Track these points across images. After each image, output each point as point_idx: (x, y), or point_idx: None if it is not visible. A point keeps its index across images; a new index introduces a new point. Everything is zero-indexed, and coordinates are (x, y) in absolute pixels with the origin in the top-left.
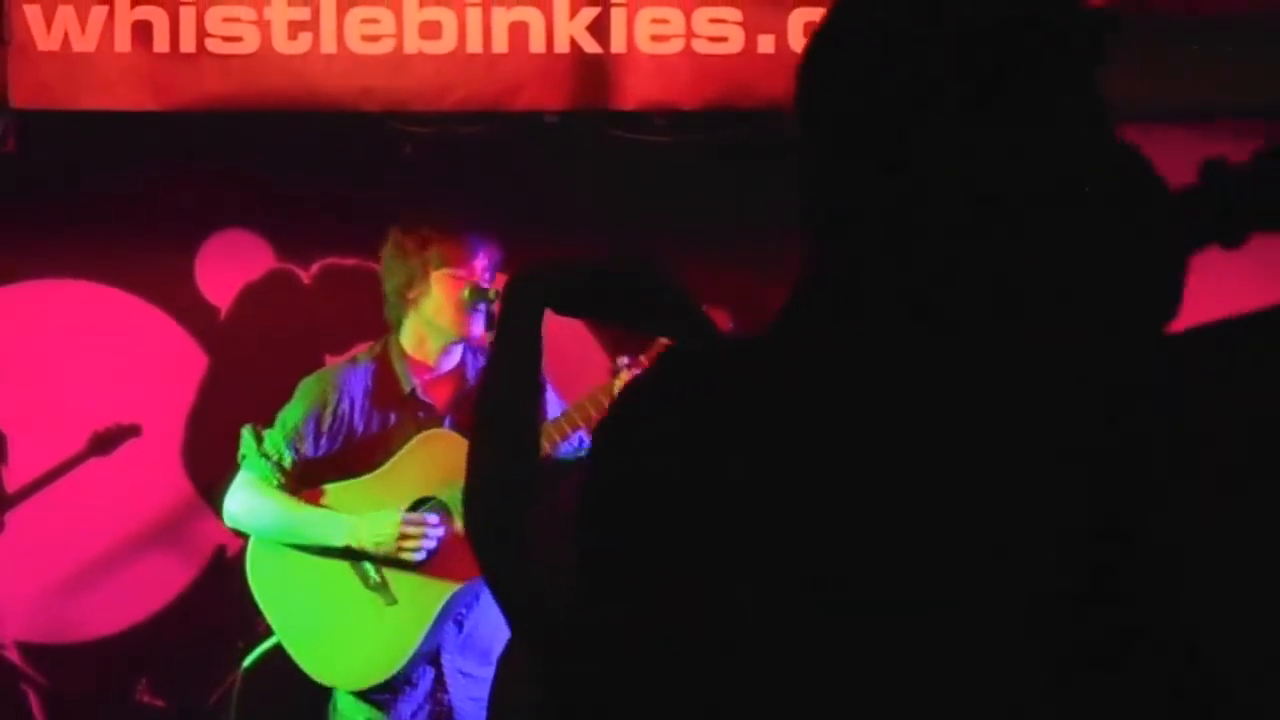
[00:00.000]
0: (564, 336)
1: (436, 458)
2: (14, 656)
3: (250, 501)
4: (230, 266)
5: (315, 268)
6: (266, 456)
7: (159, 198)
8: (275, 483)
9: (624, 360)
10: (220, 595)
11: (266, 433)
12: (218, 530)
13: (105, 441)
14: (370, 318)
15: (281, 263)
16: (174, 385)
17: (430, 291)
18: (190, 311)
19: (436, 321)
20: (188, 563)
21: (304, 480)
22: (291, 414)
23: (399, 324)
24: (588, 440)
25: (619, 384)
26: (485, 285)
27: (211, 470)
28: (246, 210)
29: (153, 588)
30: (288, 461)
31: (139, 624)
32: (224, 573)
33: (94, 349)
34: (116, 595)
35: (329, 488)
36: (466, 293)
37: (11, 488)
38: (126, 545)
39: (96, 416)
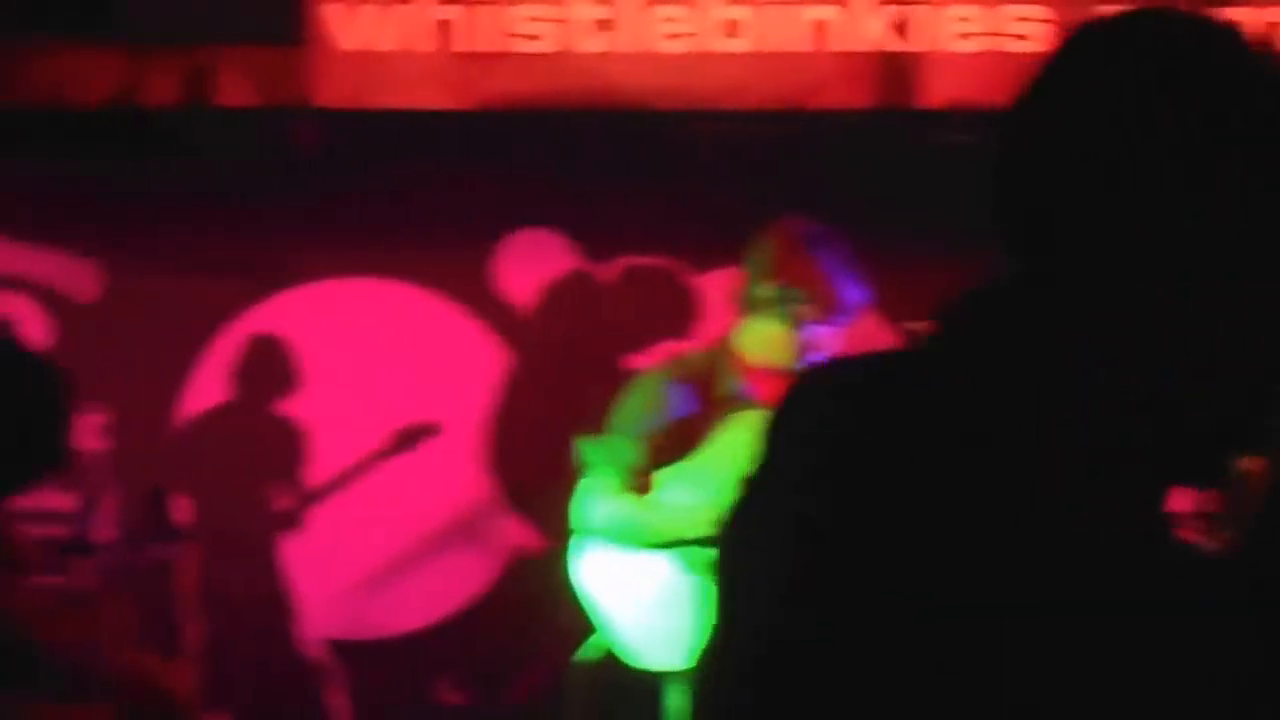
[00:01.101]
0: None
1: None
2: (319, 652)
3: (611, 510)
4: (531, 265)
5: (616, 266)
6: (613, 462)
7: (460, 196)
8: (625, 484)
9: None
10: (519, 594)
11: (607, 439)
12: (517, 529)
13: (407, 439)
14: (670, 317)
15: (582, 261)
16: (475, 384)
17: (776, 320)
18: (491, 310)
19: (774, 346)
20: (487, 561)
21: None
22: (629, 413)
23: (745, 319)
24: None
25: None
26: (817, 315)
27: (512, 468)
28: (547, 209)
29: (453, 585)
30: (635, 461)
31: (440, 622)
32: (523, 572)
33: (396, 347)
34: (417, 593)
35: (654, 476)
36: (792, 313)
37: (315, 485)
38: (427, 543)
39: (399, 414)
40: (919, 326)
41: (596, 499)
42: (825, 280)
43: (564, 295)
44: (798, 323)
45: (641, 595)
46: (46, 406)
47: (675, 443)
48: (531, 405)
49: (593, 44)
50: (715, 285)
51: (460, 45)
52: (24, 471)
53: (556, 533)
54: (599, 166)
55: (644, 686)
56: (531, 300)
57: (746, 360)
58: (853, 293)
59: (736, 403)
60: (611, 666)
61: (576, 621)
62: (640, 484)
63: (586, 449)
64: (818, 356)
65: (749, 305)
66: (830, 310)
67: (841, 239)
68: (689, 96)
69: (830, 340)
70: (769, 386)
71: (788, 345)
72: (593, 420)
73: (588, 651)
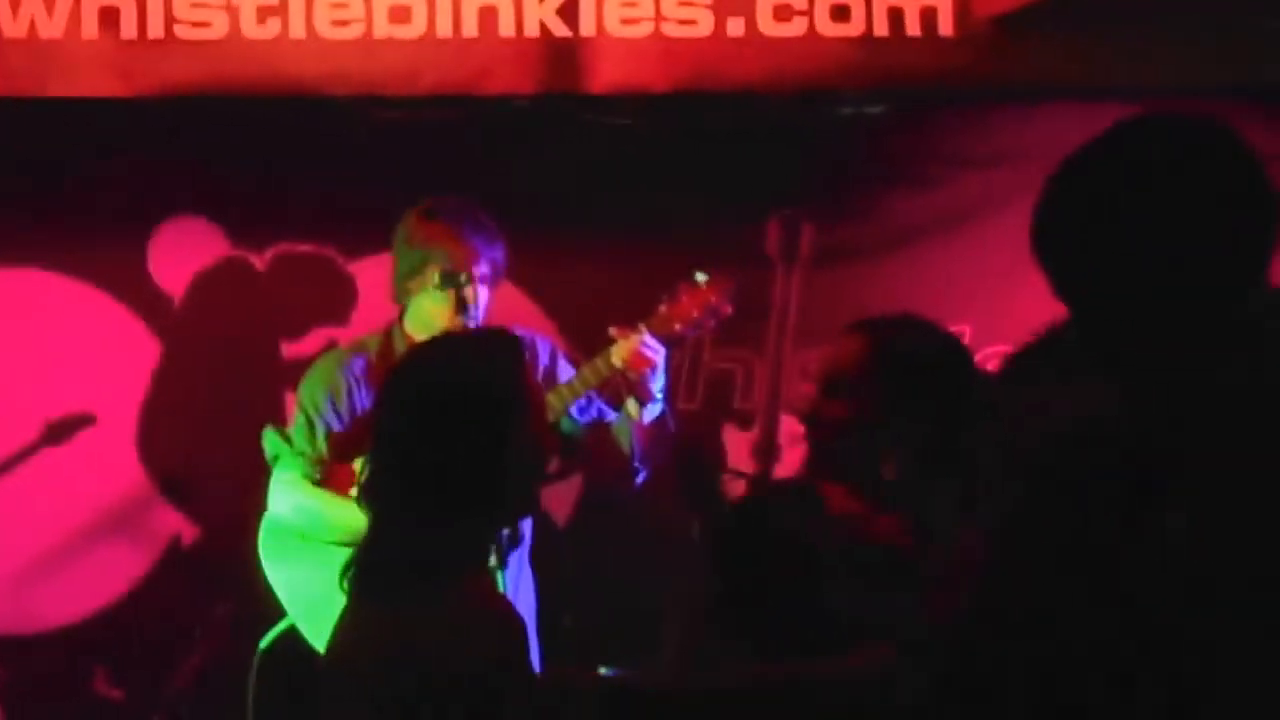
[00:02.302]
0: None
1: None
2: None
3: (303, 503)
4: (184, 254)
5: (270, 254)
6: (303, 454)
7: (111, 185)
8: (314, 477)
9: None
10: (176, 584)
11: (289, 430)
12: (173, 518)
13: (59, 431)
14: (326, 304)
15: (236, 250)
16: (128, 374)
17: (428, 291)
18: (143, 299)
19: (429, 321)
20: (143, 551)
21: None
22: (310, 402)
23: (403, 308)
24: (597, 401)
25: (624, 345)
26: (454, 270)
27: (166, 458)
28: (200, 197)
29: (108, 577)
30: (321, 450)
31: (95, 614)
32: (180, 561)
33: (47, 338)
34: (72, 585)
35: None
36: (437, 278)
37: None
38: (81, 535)
39: (50, 405)
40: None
41: (283, 491)
42: (461, 246)
43: (217, 284)
44: (452, 295)
45: (318, 584)
46: None
47: (366, 430)
48: (186, 395)
49: (262, 30)
50: (372, 272)
51: (128, 32)
52: None
53: (212, 521)
54: (258, 153)
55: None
56: (184, 289)
57: (416, 339)
58: (489, 253)
59: None
60: (296, 653)
61: (238, 609)
62: (327, 474)
63: (270, 440)
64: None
65: (400, 286)
66: (475, 276)
67: (473, 207)
68: (359, 82)
69: (483, 310)
70: None
71: (446, 319)
72: (250, 409)
73: (273, 638)
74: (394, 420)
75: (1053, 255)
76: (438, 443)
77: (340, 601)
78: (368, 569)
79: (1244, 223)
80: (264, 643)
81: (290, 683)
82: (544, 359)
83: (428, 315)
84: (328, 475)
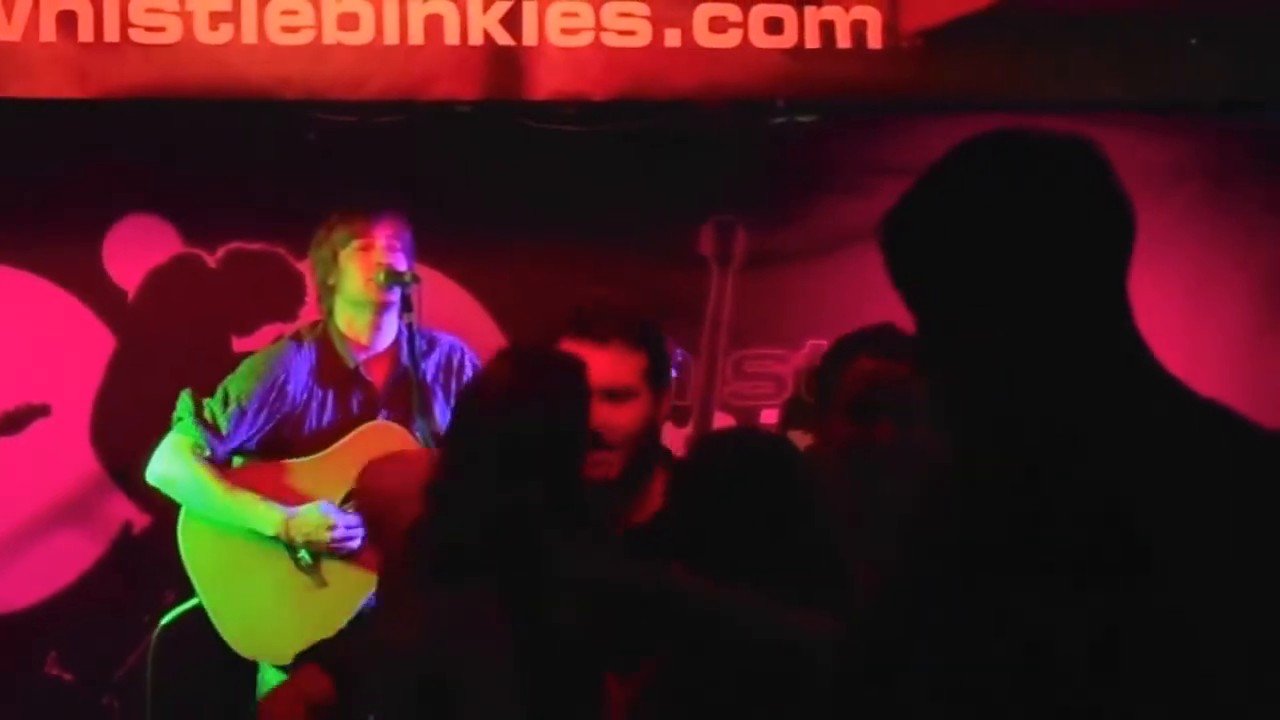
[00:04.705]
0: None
1: (371, 450)
2: None
3: (181, 470)
4: (138, 251)
5: (221, 252)
6: (205, 424)
7: (68, 182)
8: (207, 451)
9: None
10: (127, 571)
11: (206, 400)
12: (125, 507)
13: (14, 421)
14: (276, 301)
15: (188, 247)
16: (82, 366)
17: (343, 271)
18: (98, 294)
19: (353, 297)
20: (95, 539)
21: (237, 452)
22: (236, 385)
23: (331, 312)
24: None
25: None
26: (400, 268)
27: (119, 449)
28: (154, 195)
29: (60, 564)
30: (225, 429)
31: (47, 599)
32: (130, 549)
33: (3, 330)
34: (24, 571)
35: (254, 464)
36: (381, 276)
37: None
38: (34, 522)
39: (5, 396)
40: None
41: (168, 454)
42: (361, 220)
43: (170, 280)
44: (364, 256)
45: (234, 575)
46: None
47: (300, 437)
48: (138, 388)
49: (214, 35)
50: None
51: (84, 35)
52: None
53: (162, 510)
54: (208, 154)
55: (227, 659)
56: (138, 285)
57: (347, 336)
58: (388, 221)
59: (357, 381)
60: (198, 634)
61: (187, 595)
62: (227, 456)
63: (183, 402)
64: (393, 299)
65: (323, 293)
66: (388, 269)
67: (395, 215)
68: (307, 87)
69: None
70: (376, 363)
71: (361, 303)
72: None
73: (175, 616)
74: (470, 424)
75: (898, 265)
76: (507, 457)
77: (246, 587)
78: (428, 553)
79: (1095, 240)
80: (165, 619)
81: (187, 660)
82: (468, 374)
83: (351, 294)
84: (221, 457)
